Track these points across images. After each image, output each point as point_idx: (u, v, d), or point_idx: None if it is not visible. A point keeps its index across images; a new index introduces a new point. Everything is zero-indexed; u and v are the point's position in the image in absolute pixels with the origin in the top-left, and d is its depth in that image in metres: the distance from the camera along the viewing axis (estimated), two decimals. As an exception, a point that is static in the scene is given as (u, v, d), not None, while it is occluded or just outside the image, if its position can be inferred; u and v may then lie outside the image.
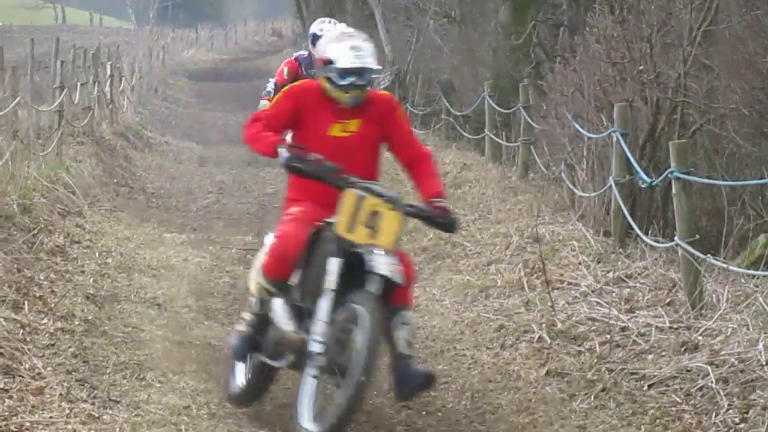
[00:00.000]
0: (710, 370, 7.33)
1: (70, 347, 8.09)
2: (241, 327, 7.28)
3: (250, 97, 29.09)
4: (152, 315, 9.62)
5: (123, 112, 25.46)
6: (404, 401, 7.22)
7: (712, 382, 7.19)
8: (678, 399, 7.20)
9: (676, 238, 8.75)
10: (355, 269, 6.62)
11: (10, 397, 6.77)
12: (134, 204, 15.80)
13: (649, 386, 7.49)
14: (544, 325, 8.99)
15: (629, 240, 10.80)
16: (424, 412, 7.49)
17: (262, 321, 7.12)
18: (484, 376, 8.33)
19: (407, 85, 25.46)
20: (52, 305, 8.97)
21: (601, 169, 12.05)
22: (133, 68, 32.15)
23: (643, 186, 10.42)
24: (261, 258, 7.20)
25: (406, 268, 6.77)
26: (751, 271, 8.88)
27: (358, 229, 6.65)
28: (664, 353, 7.91)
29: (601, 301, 9.30)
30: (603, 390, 7.61)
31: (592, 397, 7.55)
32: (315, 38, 11.80)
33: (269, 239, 7.23)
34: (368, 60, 6.99)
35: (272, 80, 11.90)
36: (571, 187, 12.59)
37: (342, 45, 7.01)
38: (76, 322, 8.80)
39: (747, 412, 6.77)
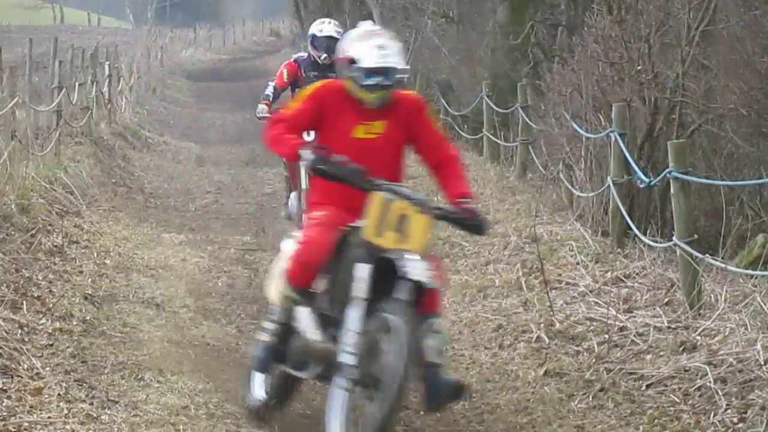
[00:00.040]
0: (708, 369, 7.33)
1: (68, 347, 8.09)
2: (264, 337, 6.99)
3: (249, 97, 29.13)
4: (150, 315, 9.62)
5: (121, 112, 25.44)
6: (434, 411, 6.95)
7: (710, 382, 7.19)
8: (676, 399, 7.20)
9: (674, 237, 8.75)
10: (384, 275, 6.35)
11: (9, 398, 6.77)
12: (132, 204, 15.80)
13: (648, 386, 7.49)
14: (542, 325, 8.99)
15: (627, 240, 10.81)
16: (422, 412, 7.48)
17: (286, 330, 6.84)
18: (482, 376, 8.34)
19: (405, 85, 25.42)
20: (51, 305, 8.97)
21: (599, 169, 12.05)
22: (131, 68, 32.12)
23: (641, 186, 10.43)
24: (280, 265, 6.94)
25: (438, 272, 6.53)
26: (750, 271, 8.88)
27: (386, 233, 6.38)
28: (662, 353, 7.91)
29: (599, 301, 9.30)
30: (601, 390, 7.61)
31: (591, 397, 7.55)
32: (314, 39, 11.85)
33: (286, 245, 6.99)
34: (394, 59, 6.72)
35: (271, 83, 11.91)
36: (569, 187, 12.59)
37: (367, 43, 6.74)
38: (75, 322, 8.80)
39: (745, 412, 6.77)
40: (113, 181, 17.14)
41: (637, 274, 9.80)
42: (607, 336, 8.42)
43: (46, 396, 6.92)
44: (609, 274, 9.90)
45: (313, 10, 39.23)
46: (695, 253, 8.53)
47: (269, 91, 11.81)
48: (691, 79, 12.04)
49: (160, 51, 46.43)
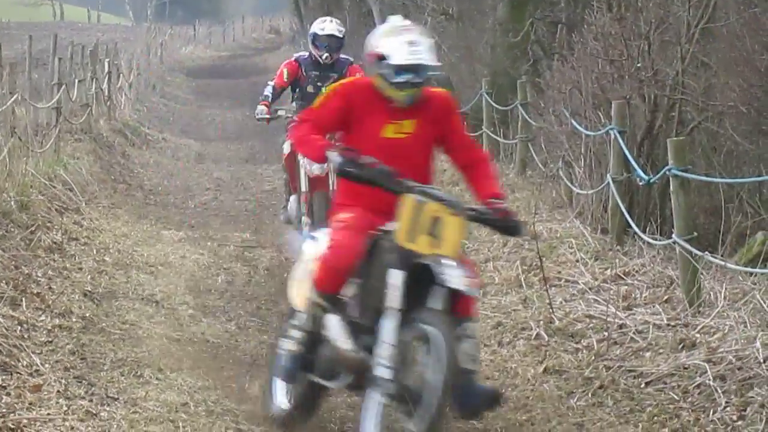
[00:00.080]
0: (708, 367, 7.34)
1: (67, 344, 8.09)
2: (290, 345, 6.73)
3: (248, 94, 29.12)
4: (150, 312, 9.62)
5: (121, 109, 25.43)
6: (468, 419, 6.65)
7: (709, 380, 7.19)
8: (675, 396, 7.20)
9: (673, 235, 8.76)
10: (417, 281, 6.11)
11: (8, 394, 6.77)
12: (132, 201, 15.79)
13: (647, 384, 7.49)
14: (541, 322, 8.99)
15: (627, 237, 10.81)
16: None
17: (314, 338, 6.59)
18: (481, 374, 8.32)
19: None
20: (50, 302, 8.97)
21: (598, 167, 12.06)
22: (131, 65, 32.11)
23: (640, 183, 10.42)
24: (302, 268, 6.75)
25: (475, 277, 6.28)
26: (749, 269, 8.88)
27: (419, 237, 6.12)
28: (661, 351, 7.92)
29: (598, 299, 9.30)
30: (600, 387, 7.61)
31: (590, 395, 7.56)
32: (316, 38, 11.69)
33: (308, 247, 6.79)
34: (425, 56, 6.49)
35: (270, 83, 11.69)
36: (569, 184, 12.59)
37: (397, 39, 6.49)
38: (74, 319, 8.80)
39: (744, 410, 6.78)
40: (113, 178, 17.13)
41: (636, 271, 9.81)
42: (606, 333, 8.42)
43: (46, 393, 6.92)
44: (608, 272, 9.90)
45: (313, 7, 39.25)
46: (695, 251, 8.53)
47: (268, 91, 11.58)
48: (690, 76, 12.04)
49: (160, 48, 46.41)
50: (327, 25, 11.70)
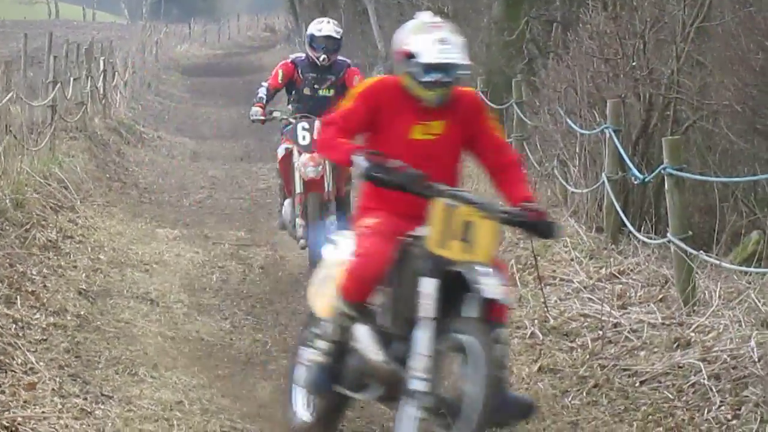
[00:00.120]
0: (702, 366, 7.34)
1: (62, 342, 8.08)
2: (315, 356, 6.45)
3: (243, 93, 29.09)
4: (145, 310, 9.61)
5: (116, 107, 25.41)
6: (497, 428, 6.20)
7: (704, 379, 7.19)
8: (670, 395, 7.20)
9: (668, 234, 8.76)
10: (449, 288, 5.88)
11: (3, 392, 6.77)
12: (127, 199, 15.78)
13: (642, 382, 7.49)
14: (536, 321, 8.99)
15: (622, 236, 10.81)
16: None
17: (340, 348, 6.31)
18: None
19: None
20: (45, 300, 8.96)
21: (593, 166, 12.06)
22: (126, 63, 32.08)
23: (635, 182, 10.43)
24: (325, 275, 6.48)
25: (508, 284, 6.02)
26: (744, 268, 8.89)
27: (451, 243, 5.85)
28: (656, 349, 7.92)
29: (593, 298, 9.30)
30: (595, 386, 7.61)
31: (585, 393, 7.56)
32: (313, 39, 11.54)
33: (330, 252, 6.56)
34: (456, 54, 6.19)
35: (264, 84, 11.51)
36: (564, 183, 12.59)
37: (427, 37, 6.20)
38: (69, 317, 8.79)
39: (739, 409, 6.78)
40: (108, 176, 17.12)
41: (631, 270, 9.81)
42: (601, 332, 8.43)
43: (40, 391, 6.92)
44: (603, 271, 9.91)
45: (308, 6, 39.26)
46: (689, 250, 8.54)
47: (262, 92, 11.36)
48: (685, 75, 12.04)
49: (155, 46, 46.36)
50: (324, 26, 11.53)
